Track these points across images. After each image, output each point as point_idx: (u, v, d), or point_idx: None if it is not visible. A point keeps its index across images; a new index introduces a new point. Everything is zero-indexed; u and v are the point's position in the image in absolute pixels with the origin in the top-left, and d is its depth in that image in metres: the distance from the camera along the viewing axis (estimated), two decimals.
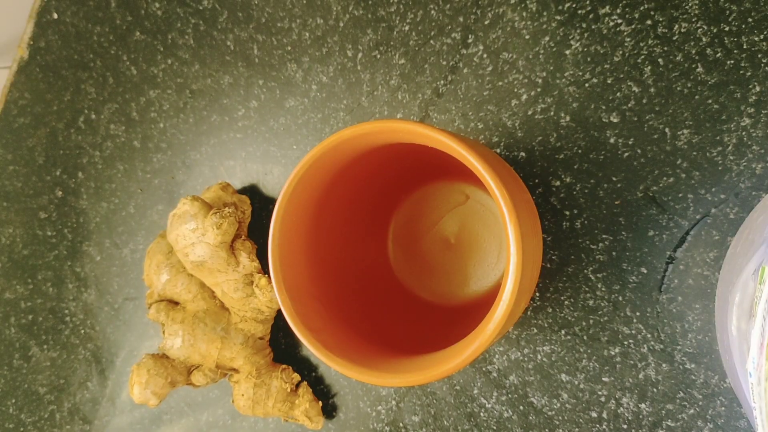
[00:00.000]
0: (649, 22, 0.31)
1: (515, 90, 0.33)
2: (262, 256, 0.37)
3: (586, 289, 0.32)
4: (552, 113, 0.33)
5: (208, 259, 0.34)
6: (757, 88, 0.29)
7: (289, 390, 0.36)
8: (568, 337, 0.32)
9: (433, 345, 0.29)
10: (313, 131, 0.38)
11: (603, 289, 0.32)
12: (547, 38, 0.33)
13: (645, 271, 0.31)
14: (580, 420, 0.32)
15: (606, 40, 0.32)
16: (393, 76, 0.36)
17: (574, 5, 0.32)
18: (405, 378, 0.25)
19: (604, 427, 0.31)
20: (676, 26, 0.30)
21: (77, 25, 0.43)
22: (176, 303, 0.37)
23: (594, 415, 0.31)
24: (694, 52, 0.30)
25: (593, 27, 0.32)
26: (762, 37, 0.29)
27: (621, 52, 0.31)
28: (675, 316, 0.30)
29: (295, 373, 0.37)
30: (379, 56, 0.36)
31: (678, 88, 0.30)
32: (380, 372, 0.25)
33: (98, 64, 0.43)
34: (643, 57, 0.31)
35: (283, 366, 0.37)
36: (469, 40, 0.34)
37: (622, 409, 0.31)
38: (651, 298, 0.31)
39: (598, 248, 0.32)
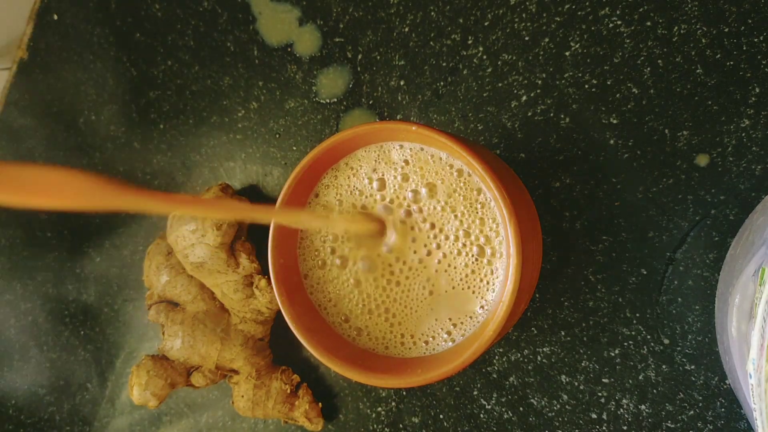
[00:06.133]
0: (648, 23, 0.31)
1: (515, 91, 0.33)
2: (261, 257, 0.37)
3: (586, 290, 0.32)
4: (552, 114, 0.33)
5: (208, 260, 0.34)
6: (757, 90, 0.29)
7: (288, 391, 0.36)
8: (568, 339, 0.32)
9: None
10: (313, 132, 0.38)
11: (603, 290, 0.32)
12: (546, 39, 0.33)
13: (645, 273, 0.31)
14: (580, 421, 0.32)
15: (606, 42, 0.32)
16: (393, 77, 0.36)
17: (573, 6, 0.32)
18: (405, 379, 0.25)
19: (604, 428, 0.31)
20: (676, 28, 0.31)
21: (77, 27, 0.43)
22: (176, 304, 0.37)
23: (594, 416, 0.31)
24: (693, 53, 0.30)
25: (593, 28, 0.32)
26: (761, 38, 0.29)
27: (621, 54, 0.31)
28: (675, 318, 0.30)
29: (295, 375, 0.37)
30: (379, 57, 0.36)
31: (677, 90, 0.30)
32: (380, 373, 0.25)
33: (98, 66, 0.43)
34: (642, 58, 0.31)
35: (283, 367, 0.37)
36: (469, 42, 0.34)
37: (622, 410, 0.31)
38: (651, 300, 0.31)
39: (598, 249, 0.32)
